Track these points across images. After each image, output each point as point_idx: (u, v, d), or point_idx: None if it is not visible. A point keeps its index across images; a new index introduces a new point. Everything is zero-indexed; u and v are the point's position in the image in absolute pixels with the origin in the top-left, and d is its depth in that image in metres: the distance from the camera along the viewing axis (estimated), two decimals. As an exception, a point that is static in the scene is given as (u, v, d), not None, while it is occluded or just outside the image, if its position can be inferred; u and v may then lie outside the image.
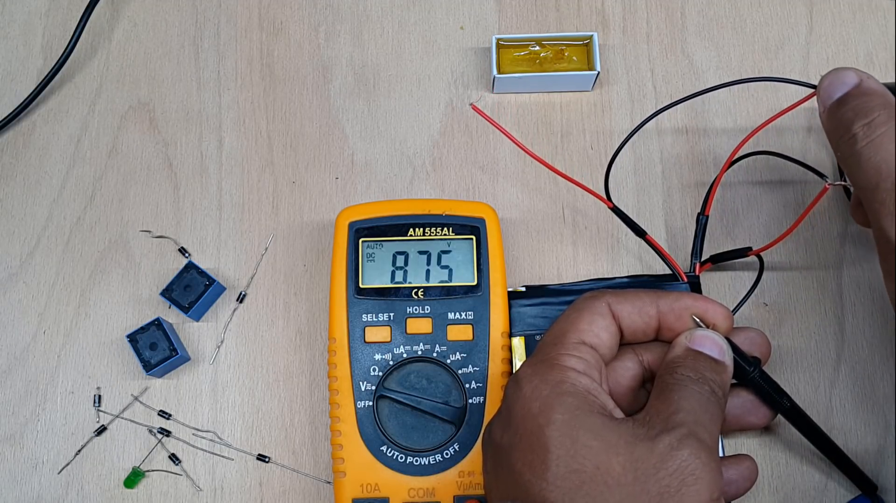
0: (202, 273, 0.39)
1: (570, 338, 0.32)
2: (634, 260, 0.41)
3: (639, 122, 0.38)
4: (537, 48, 0.43)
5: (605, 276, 0.40)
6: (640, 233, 0.38)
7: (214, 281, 0.39)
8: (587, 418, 0.29)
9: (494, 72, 0.42)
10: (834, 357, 0.39)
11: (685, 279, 0.38)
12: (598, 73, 0.42)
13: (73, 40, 0.44)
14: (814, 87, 0.36)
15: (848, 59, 0.44)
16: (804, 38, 0.44)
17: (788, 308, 0.40)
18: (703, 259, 0.39)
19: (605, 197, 0.38)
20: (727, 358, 0.32)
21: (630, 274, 0.40)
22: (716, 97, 0.43)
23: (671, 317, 0.33)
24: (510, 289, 0.38)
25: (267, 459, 0.39)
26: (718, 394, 0.31)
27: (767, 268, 0.40)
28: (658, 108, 0.38)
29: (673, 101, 0.38)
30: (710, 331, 0.32)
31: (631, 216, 0.39)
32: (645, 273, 0.40)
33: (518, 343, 0.38)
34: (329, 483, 0.38)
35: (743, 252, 0.39)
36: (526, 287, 0.39)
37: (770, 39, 0.44)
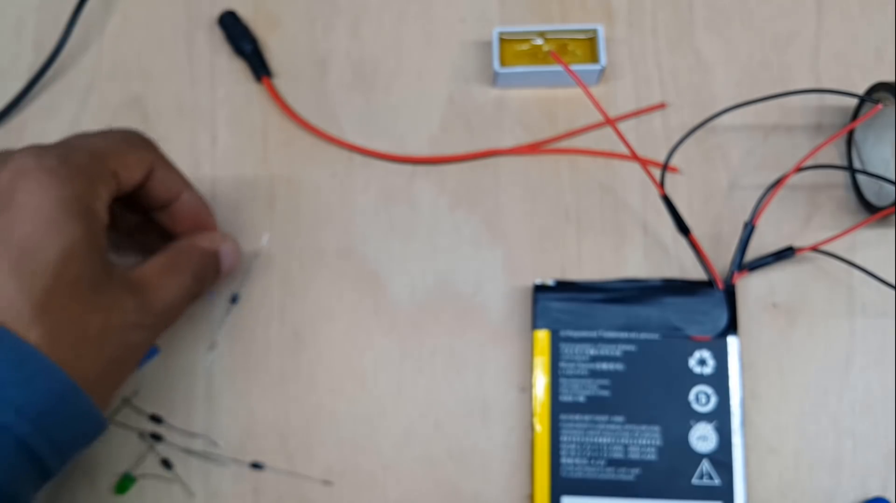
0: None
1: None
2: (640, 259, 0.40)
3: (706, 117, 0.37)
4: (540, 42, 0.42)
5: (639, 278, 0.39)
6: (684, 230, 0.38)
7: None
8: None
9: (496, 66, 0.41)
10: (844, 359, 0.39)
11: (722, 287, 0.38)
12: (604, 67, 0.41)
13: (65, 35, 0.43)
14: (874, 101, 0.36)
15: (857, 53, 0.43)
16: (813, 32, 0.43)
17: (799, 309, 0.39)
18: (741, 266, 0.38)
19: (660, 183, 0.37)
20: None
21: (664, 277, 0.39)
22: (724, 96, 0.42)
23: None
24: (538, 282, 0.38)
25: (261, 466, 0.38)
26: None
27: (778, 269, 0.39)
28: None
29: (753, 98, 0.38)
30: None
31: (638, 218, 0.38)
32: (677, 278, 0.39)
33: (543, 336, 0.37)
34: (326, 483, 0.38)
35: (785, 253, 0.38)
36: (556, 282, 0.38)
37: (779, 33, 0.43)
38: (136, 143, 0.34)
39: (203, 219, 0.37)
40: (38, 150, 0.30)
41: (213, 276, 0.36)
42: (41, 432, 0.28)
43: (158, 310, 0.32)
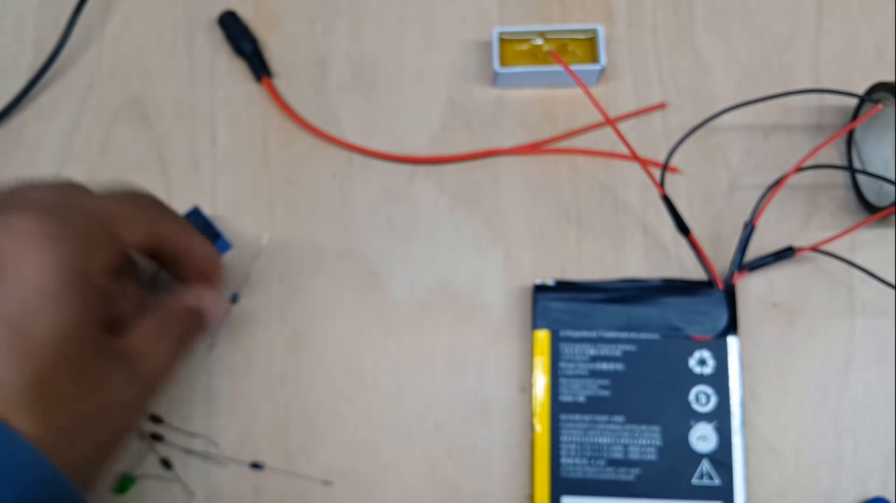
0: (208, 224, 0.38)
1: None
2: (640, 259, 0.40)
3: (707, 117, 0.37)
4: (540, 42, 0.42)
5: (639, 278, 0.39)
6: (684, 230, 0.38)
7: (220, 235, 0.38)
8: None
9: (496, 66, 0.41)
10: (844, 359, 0.39)
11: (722, 287, 0.38)
12: (604, 67, 0.41)
13: (65, 35, 0.43)
14: (874, 101, 0.36)
15: (857, 53, 0.43)
16: (813, 32, 0.43)
17: (799, 309, 0.39)
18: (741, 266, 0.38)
19: (660, 183, 0.37)
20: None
21: (664, 277, 0.39)
22: (724, 96, 0.42)
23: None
24: (538, 282, 0.38)
25: (261, 466, 0.38)
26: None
27: (778, 269, 0.39)
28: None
29: (753, 98, 0.38)
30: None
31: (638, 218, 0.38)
32: (677, 278, 0.39)
33: (543, 336, 0.37)
34: (326, 483, 0.37)
35: (785, 253, 0.38)
36: (556, 282, 0.38)
37: (779, 33, 0.43)
38: (140, 204, 0.32)
39: (211, 270, 0.35)
40: (38, 213, 0.27)
41: (198, 335, 0.35)
42: None
43: (149, 381, 0.31)
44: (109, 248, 0.29)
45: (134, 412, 0.31)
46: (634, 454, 0.36)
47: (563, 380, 0.37)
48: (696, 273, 0.39)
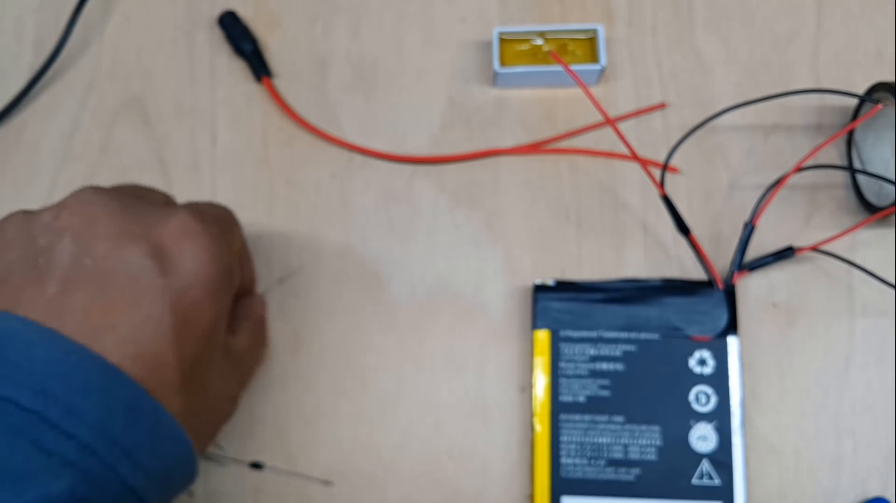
0: None
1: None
2: (640, 259, 0.40)
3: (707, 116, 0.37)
4: (540, 42, 0.42)
5: (639, 278, 0.39)
6: (684, 230, 0.38)
7: None
8: None
9: (496, 66, 0.41)
10: (844, 359, 0.39)
11: (722, 287, 0.38)
12: (604, 67, 0.41)
13: (65, 35, 0.43)
14: (874, 101, 0.37)
15: (857, 53, 0.43)
16: (813, 32, 0.43)
17: (799, 309, 0.39)
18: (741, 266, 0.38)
19: (660, 183, 0.37)
20: None
21: (664, 277, 0.39)
22: (724, 96, 0.42)
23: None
24: (538, 282, 0.38)
25: (261, 466, 0.38)
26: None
27: (778, 269, 0.39)
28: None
29: (753, 98, 0.38)
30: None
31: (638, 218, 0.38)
32: (677, 278, 0.39)
33: (543, 336, 0.37)
34: (326, 483, 0.37)
35: (785, 253, 0.38)
36: (556, 282, 0.38)
37: (779, 33, 0.43)
38: (236, 221, 0.35)
39: (254, 284, 0.38)
40: (195, 213, 0.29)
41: None
42: (161, 496, 0.28)
43: (245, 380, 0.34)
44: (235, 249, 0.33)
45: (234, 407, 0.33)
46: (634, 454, 0.36)
47: (563, 380, 0.37)
48: (696, 273, 0.39)
